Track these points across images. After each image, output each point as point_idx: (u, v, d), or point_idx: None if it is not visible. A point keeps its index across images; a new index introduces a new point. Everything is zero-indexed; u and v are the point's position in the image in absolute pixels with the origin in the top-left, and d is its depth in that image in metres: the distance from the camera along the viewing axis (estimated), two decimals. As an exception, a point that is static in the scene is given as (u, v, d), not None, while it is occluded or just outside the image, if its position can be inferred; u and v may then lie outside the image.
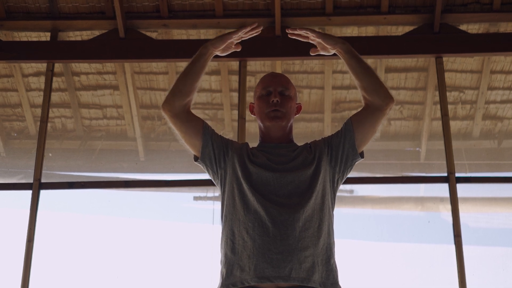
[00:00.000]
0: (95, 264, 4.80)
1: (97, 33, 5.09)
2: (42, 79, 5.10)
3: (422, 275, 4.72)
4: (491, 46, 4.85)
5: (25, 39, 5.18)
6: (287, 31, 2.19)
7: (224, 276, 2.00)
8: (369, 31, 5.09)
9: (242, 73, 4.88)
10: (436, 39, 4.88)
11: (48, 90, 4.89)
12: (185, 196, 5.09)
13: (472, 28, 5.02)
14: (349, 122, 2.16)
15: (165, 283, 4.71)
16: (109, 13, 5.04)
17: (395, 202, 5.21)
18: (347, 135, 2.14)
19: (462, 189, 4.57)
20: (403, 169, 5.27)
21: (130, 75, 5.22)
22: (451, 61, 5.12)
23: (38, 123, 4.90)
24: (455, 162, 4.61)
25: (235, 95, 5.15)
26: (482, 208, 5.17)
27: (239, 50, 2.24)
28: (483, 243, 4.85)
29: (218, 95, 5.31)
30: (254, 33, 2.18)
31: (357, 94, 4.98)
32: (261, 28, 2.19)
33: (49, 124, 4.95)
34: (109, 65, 5.24)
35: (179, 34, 5.15)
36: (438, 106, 4.89)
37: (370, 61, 5.04)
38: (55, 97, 5.27)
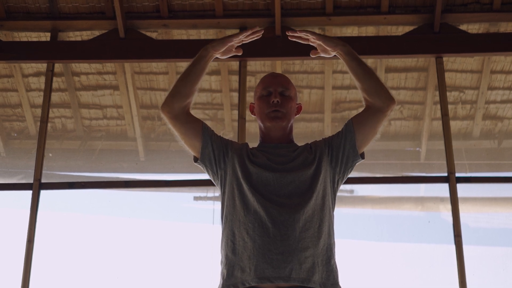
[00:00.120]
0: (95, 264, 4.80)
1: (97, 33, 5.09)
2: (42, 79, 5.10)
3: (422, 275, 4.72)
4: (491, 46, 4.85)
5: (25, 39, 5.18)
6: (287, 34, 2.19)
7: (224, 277, 2.00)
8: (369, 31, 5.09)
9: (242, 73, 4.88)
10: (436, 39, 4.88)
11: (48, 90, 4.89)
12: (185, 196, 5.09)
13: (472, 28, 5.02)
14: (350, 123, 2.16)
15: (165, 283, 4.71)
16: (109, 13, 5.04)
17: (395, 202, 5.21)
18: (348, 135, 2.14)
19: (462, 189, 4.57)
20: (403, 169, 5.27)
21: (130, 75, 5.22)
22: (451, 61, 5.12)
23: (38, 123, 4.90)
24: (455, 162, 4.61)
25: (235, 95, 5.15)
26: (482, 208, 5.16)
27: (240, 54, 2.24)
28: (483, 243, 4.85)
29: (218, 95, 5.31)
30: (255, 37, 2.18)
31: (357, 94, 4.98)
32: (262, 31, 2.19)
33: (49, 124, 4.95)
34: (109, 65, 5.24)
35: (179, 34, 5.15)
36: (438, 106, 4.89)
37: (370, 61, 5.04)
38: (55, 97, 5.27)
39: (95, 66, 5.23)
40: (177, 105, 2.13)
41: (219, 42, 2.16)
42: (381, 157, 5.18)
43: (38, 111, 5.10)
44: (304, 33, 2.16)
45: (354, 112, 5.34)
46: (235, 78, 5.18)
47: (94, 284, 4.75)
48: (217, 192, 4.84)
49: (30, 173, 4.72)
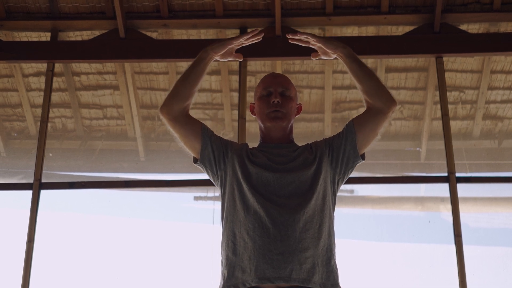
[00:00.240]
0: (95, 264, 4.80)
1: (97, 33, 5.09)
2: (42, 79, 5.10)
3: (422, 275, 4.72)
4: (492, 46, 4.85)
5: (25, 39, 5.18)
6: (287, 36, 2.19)
7: (225, 278, 2.00)
8: (369, 31, 5.09)
9: (242, 73, 4.88)
10: (436, 39, 4.88)
11: (48, 90, 4.89)
12: (186, 196, 5.09)
13: (473, 28, 5.02)
14: (351, 124, 2.15)
15: (165, 283, 4.71)
16: (109, 13, 5.04)
17: (395, 202, 5.21)
18: (349, 136, 2.14)
19: (463, 189, 4.57)
20: (403, 169, 5.27)
21: (130, 75, 5.23)
22: (451, 61, 5.12)
23: (39, 123, 4.90)
24: (455, 162, 4.61)
25: (235, 95, 5.15)
26: (482, 208, 5.16)
27: (240, 60, 2.25)
28: (484, 243, 4.85)
29: (219, 95, 5.31)
30: (256, 40, 2.18)
31: (358, 94, 4.99)
32: (263, 34, 2.18)
33: (49, 124, 4.95)
34: (109, 65, 5.24)
35: (179, 34, 5.15)
36: (439, 106, 4.89)
37: (370, 61, 5.04)
38: (55, 97, 5.27)
39: (95, 66, 5.23)
40: (176, 106, 2.13)
41: (219, 44, 2.16)
42: (381, 157, 5.18)
43: (38, 111, 5.10)
44: (305, 36, 2.16)
45: (354, 112, 5.37)
46: (235, 78, 5.18)
47: (94, 284, 4.75)
48: (217, 192, 4.84)
49: (30, 173, 4.72)
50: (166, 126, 2.18)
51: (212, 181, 2.20)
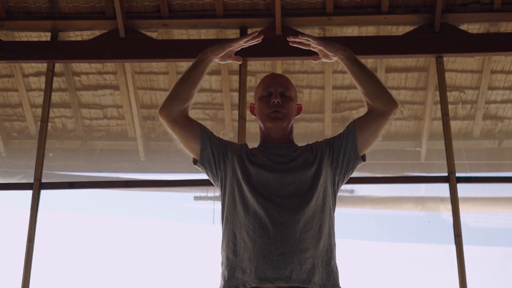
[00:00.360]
0: (95, 264, 4.80)
1: (97, 33, 5.09)
2: (43, 79, 5.10)
3: (422, 275, 4.72)
4: (492, 46, 4.85)
5: (25, 39, 5.18)
6: (288, 39, 2.19)
7: (226, 279, 2.00)
8: (369, 31, 5.09)
9: (242, 73, 4.88)
10: (436, 39, 4.88)
11: (48, 90, 4.89)
12: (186, 196, 5.09)
13: (473, 28, 5.02)
14: (351, 125, 2.15)
15: (166, 283, 4.71)
16: (110, 13, 5.04)
17: (395, 202, 5.21)
18: (349, 138, 2.14)
19: (463, 189, 4.57)
20: (403, 169, 5.27)
21: (130, 75, 5.23)
22: (451, 61, 5.12)
23: (39, 123, 4.90)
24: (455, 162, 4.61)
25: (236, 95, 5.15)
26: (482, 208, 5.16)
27: (240, 62, 2.25)
28: (484, 243, 4.85)
29: (219, 95, 5.31)
30: (255, 42, 2.19)
31: (358, 94, 4.98)
32: (262, 36, 2.18)
33: (49, 124, 4.95)
34: (110, 65, 5.24)
35: (180, 34, 5.15)
36: (439, 106, 4.89)
37: (370, 61, 5.04)
38: (55, 97, 5.27)
39: (95, 66, 5.23)
40: (175, 108, 2.13)
41: (219, 46, 2.16)
42: (381, 157, 5.18)
43: (39, 111, 5.10)
44: (305, 38, 2.16)
45: (355, 112, 5.37)
46: (235, 78, 5.18)
47: (94, 284, 4.75)
48: (217, 192, 4.84)
49: (31, 173, 4.72)
50: (165, 127, 2.18)
51: (212, 182, 2.20)
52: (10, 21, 5.08)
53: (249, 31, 5.03)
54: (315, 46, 2.18)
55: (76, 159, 5.35)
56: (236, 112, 5.04)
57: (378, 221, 5.12)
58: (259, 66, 5.23)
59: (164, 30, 5.13)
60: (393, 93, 2.18)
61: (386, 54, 4.92)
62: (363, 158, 2.16)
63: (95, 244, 4.91)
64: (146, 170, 5.36)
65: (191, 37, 5.15)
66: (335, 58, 2.18)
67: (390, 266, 4.79)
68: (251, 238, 1.98)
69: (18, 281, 4.38)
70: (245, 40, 2.17)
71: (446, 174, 4.58)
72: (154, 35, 5.12)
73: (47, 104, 4.85)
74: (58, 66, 5.13)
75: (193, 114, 2.19)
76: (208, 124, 5.12)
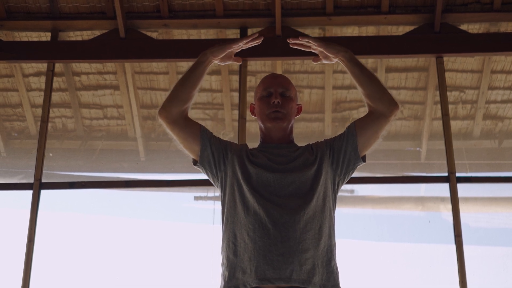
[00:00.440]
0: (95, 264, 4.80)
1: (97, 33, 5.09)
2: (43, 79, 5.10)
3: (422, 275, 4.71)
4: (492, 46, 4.85)
5: (25, 39, 5.18)
6: (288, 41, 2.19)
7: (226, 279, 2.00)
8: (369, 31, 5.09)
9: (242, 73, 4.88)
10: (436, 39, 4.88)
11: (48, 90, 4.89)
12: (186, 196, 5.09)
13: (473, 28, 5.02)
14: (352, 126, 2.15)
15: (166, 283, 4.71)
16: (110, 13, 5.04)
17: (395, 202, 5.21)
18: (350, 138, 2.14)
19: (463, 189, 4.57)
20: (403, 169, 5.27)
21: (130, 75, 5.23)
22: (451, 61, 5.12)
23: (39, 123, 4.90)
24: (455, 162, 4.61)
25: (236, 95, 5.15)
26: (482, 208, 5.16)
27: (240, 63, 2.25)
28: (484, 243, 4.85)
29: (219, 95, 5.31)
30: (255, 43, 2.19)
31: (358, 94, 4.98)
32: (262, 38, 2.18)
33: (49, 124, 4.95)
34: (110, 65, 5.24)
35: (180, 34, 5.15)
36: (439, 106, 4.89)
37: (370, 61, 5.04)
38: (55, 97, 5.27)
39: (95, 66, 5.23)
40: (175, 110, 2.13)
41: (219, 48, 2.16)
42: (381, 157, 5.17)
43: (39, 111, 5.10)
44: (306, 40, 2.16)
45: (355, 112, 5.37)
46: (235, 78, 5.18)
47: (94, 284, 4.75)
48: (217, 192, 4.84)
49: (31, 173, 4.72)
50: (164, 128, 2.19)
51: (212, 183, 2.20)
52: (10, 21, 5.08)
53: (249, 31, 5.03)
54: (315, 48, 2.18)
55: (76, 159, 5.35)
56: (236, 112, 5.04)
57: (378, 221, 5.12)
58: (259, 66, 5.23)
59: (164, 30, 5.13)
60: (393, 93, 2.18)
61: (386, 54, 4.92)
62: (364, 158, 2.16)
63: (95, 244, 4.91)
64: (146, 170, 5.36)
65: (191, 37, 5.15)
66: (335, 60, 2.18)
67: (390, 266, 4.79)
68: (251, 239, 1.98)
69: (18, 281, 4.38)
70: (245, 41, 2.17)
71: (446, 174, 4.58)
72: (154, 35, 5.12)
73: (47, 104, 4.85)
74: (58, 66, 5.13)
75: (193, 114, 2.19)
76: (208, 124, 5.12)
